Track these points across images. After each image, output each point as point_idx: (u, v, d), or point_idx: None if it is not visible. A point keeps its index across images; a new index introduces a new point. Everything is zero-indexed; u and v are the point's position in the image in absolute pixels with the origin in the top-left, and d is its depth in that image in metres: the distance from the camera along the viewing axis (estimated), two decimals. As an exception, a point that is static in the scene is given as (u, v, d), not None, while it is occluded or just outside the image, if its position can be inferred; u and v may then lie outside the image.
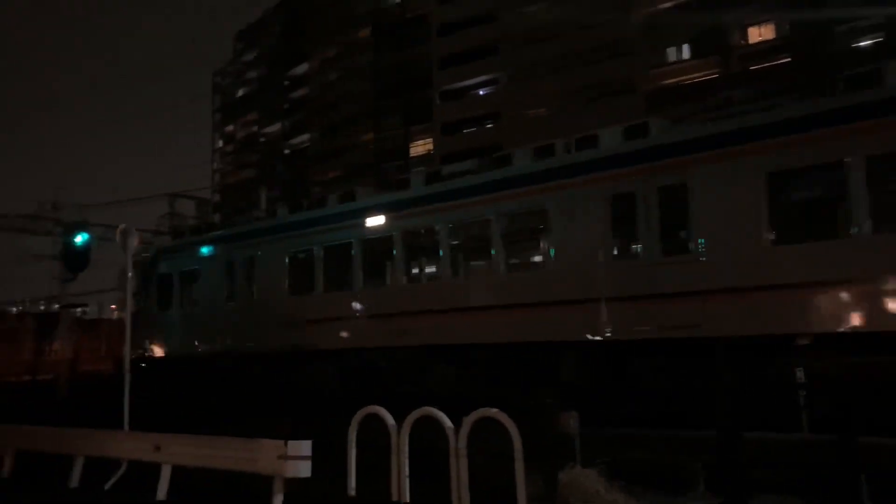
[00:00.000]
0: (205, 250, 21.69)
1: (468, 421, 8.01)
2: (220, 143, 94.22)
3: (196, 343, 21.33)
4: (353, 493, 8.76)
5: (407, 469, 8.38)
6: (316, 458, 8.76)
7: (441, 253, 15.91)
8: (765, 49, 43.69)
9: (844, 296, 10.54)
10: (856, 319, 10.38)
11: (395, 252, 16.67)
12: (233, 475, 9.70)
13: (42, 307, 64.72)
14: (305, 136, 77.50)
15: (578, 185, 13.41)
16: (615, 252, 13.26)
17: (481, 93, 59.74)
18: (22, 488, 11.81)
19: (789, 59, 41.38)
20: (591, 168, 13.40)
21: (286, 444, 8.90)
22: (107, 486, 11.09)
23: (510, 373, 13.65)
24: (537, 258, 14.72)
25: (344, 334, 17.41)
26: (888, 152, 10.16)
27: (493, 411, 7.83)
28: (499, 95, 57.60)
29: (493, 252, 14.81)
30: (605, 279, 12.84)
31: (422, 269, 17.08)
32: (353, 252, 17.53)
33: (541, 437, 7.86)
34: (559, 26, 52.18)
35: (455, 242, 16.00)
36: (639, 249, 12.76)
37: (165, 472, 10.37)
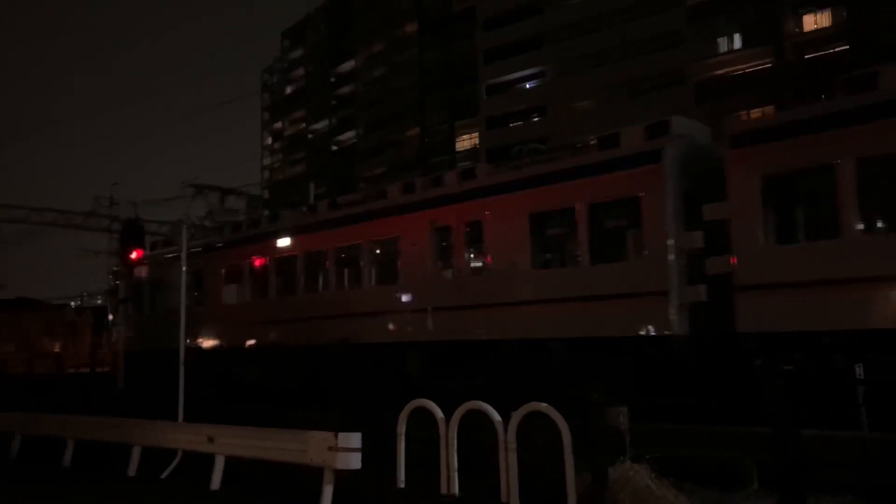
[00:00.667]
0: (167, 263, 24.20)
1: (517, 415, 7.98)
2: (270, 140, 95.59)
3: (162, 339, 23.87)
4: (402, 485, 8.81)
5: (456, 462, 8.41)
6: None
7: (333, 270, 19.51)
8: (821, 37, 42.45)
9: (580, 309, 13.76)
10: (585, 328, 13.63)
11: (298, 268, 20.17)
12: (284, 466, 9.87)
13: (99, 301, 66.68)
14: (352, 133, 78.14)
15: (417, 220, 16.78)
16: (440, 272, 16.56)
17: (527, 86, 59.38)
18: (82, 477, 12.20)
19: (847, 47, 40.13)
20: (425, 206, 16.83)
21: (336, 437, 9.01)
22: (163, 476, 11.38)
23: (372, 367, 17.18)
24: (395, 276, 17.83)
25: (267, 336, 20.89)
26: (606, 201, 13.70)
27: (543, 406, 7.79)
28: (545, 88, 57.19)
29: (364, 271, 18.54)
30: (434, 293, 16.30)
31: (319, 282, 20.23)
32: (269, 267, 21.16)
33: (589, 432, 7.79)
34: (605, 17, 51.59)
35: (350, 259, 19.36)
36: (452, 271, 16.26)
37: (219, 463, 10.58)
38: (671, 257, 12.80)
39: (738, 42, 47.23)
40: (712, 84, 46.94)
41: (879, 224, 11.24)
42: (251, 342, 21.34)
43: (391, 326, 17.41)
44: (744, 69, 46.34)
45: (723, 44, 47.87)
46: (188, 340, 19.98)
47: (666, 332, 12.78)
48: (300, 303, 20.04)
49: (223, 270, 22.59)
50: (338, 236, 19.18)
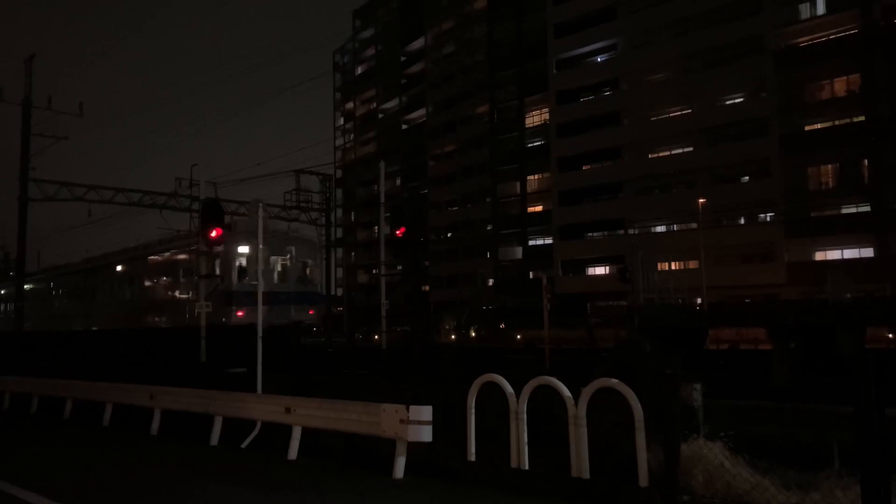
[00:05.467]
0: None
1: (587, 391, 7.96)
2: (341, 121, 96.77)
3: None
4: (472, 458, 8.93)
5: (526, 436, 8.46)
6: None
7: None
8: (913, -2, 40.19)
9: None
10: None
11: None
12: (359, 437, 10.13)
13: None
14: (422, 111, 78.33)
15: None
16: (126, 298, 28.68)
17: (598, 59, 58.23)
18: (168, 446, 12.79)
19: (942, 9, 37.84)
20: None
21: (408, 409, 9.21)
22: (243, 445, 11.83)
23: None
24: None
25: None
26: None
27: (614, 382, 7.75)
28: (617, 61, 55.96)
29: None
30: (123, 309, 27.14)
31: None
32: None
33: (662, 407, 7.71)
34: (681, -14, 50.04)
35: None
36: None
37: (296, 434, 10.93)
38: None
39: (821, 7, 45.14)
40: (794, 52, 45.06)
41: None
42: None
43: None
44: (828, 35, 44.28)
45: (804, 10, 45.84)
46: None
47: None
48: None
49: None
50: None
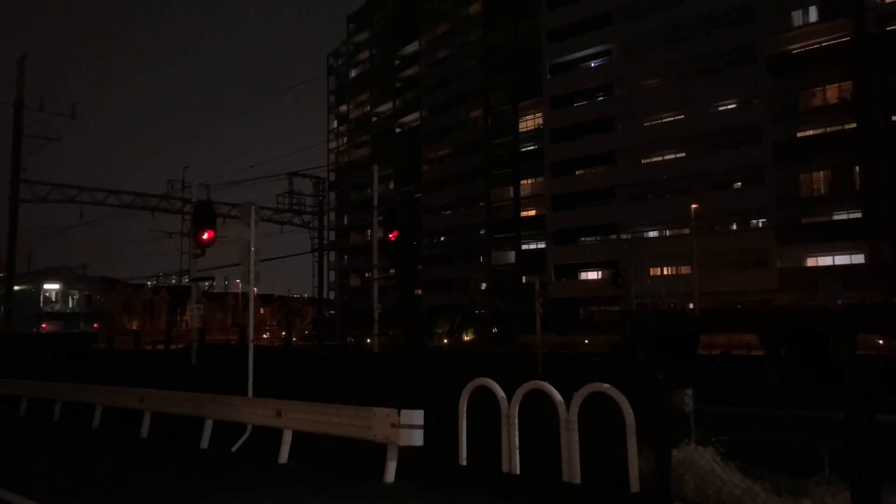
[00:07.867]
0: None
1: (579, 395, 7.94)
2: (335, 124, 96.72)
3: None
4: (464, 462, 8.89)
5: (517, 440, 8.43)
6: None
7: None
8: (905, 7, 40.44)
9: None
10: None
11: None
12: (350, 441, 10.09)
13: (173, 281, 69.08)
14: (416, 115, 78.36)
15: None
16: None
17: (592, 65, 58.37)
18: (158, 448, 12.71)
19: (933, 17, 38.08)
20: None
21: (399, 413, 9.17)
22: (233, 448, 11.76)
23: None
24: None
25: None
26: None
27: (605, 387, 7.73)
28: (612, 67, 56.11)
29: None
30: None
31: None
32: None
33: (654, 413, 7.70)
34: (675, -7, 50.24)
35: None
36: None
37: (286, 437, 10.87)
38: None
39: (813, 15, 45.37)
40: (786, 59, 45.28)
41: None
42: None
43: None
44: (820, 43, 44.50)
45: (797, 17, 46.08)
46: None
47: None
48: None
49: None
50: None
